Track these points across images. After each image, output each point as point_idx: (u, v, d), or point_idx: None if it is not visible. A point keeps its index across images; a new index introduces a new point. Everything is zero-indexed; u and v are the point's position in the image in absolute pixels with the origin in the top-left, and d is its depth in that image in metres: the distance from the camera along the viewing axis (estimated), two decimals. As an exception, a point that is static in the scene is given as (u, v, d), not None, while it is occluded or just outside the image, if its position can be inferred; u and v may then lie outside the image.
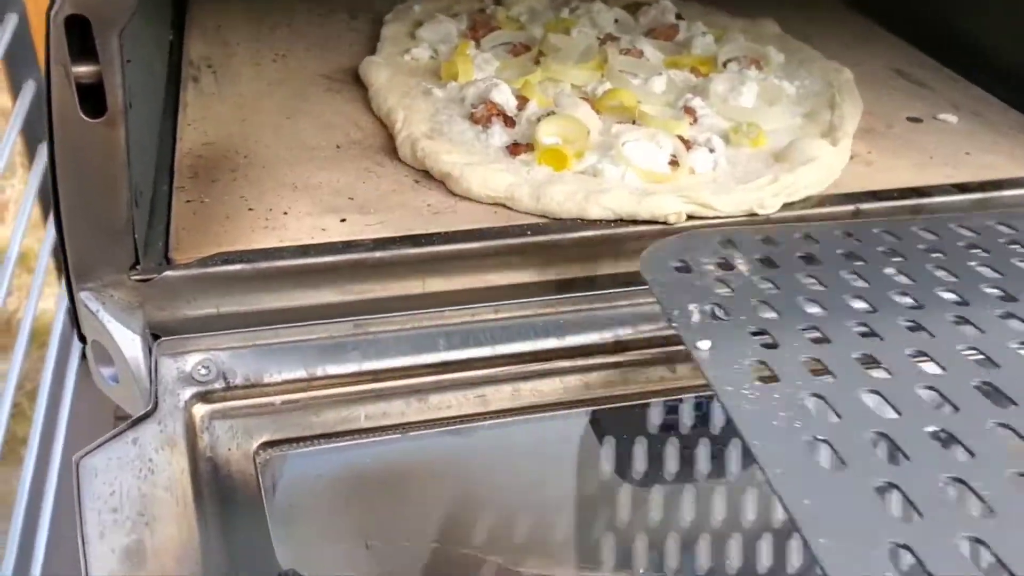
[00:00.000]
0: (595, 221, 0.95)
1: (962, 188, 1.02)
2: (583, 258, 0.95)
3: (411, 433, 0.87)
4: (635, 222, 0.95)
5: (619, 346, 0.93)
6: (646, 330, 0.93)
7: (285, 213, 0.95)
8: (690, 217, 0.96)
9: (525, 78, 1.15)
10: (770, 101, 1.14)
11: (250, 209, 0.95)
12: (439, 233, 0.92)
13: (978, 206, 1.02)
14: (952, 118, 1.18)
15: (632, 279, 0.96)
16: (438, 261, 0.91)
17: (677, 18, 1.36)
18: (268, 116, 1.13)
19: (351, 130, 1.11)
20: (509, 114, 1.10)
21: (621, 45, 1.24)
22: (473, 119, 1.09)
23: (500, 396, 0.89)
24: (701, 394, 0.93)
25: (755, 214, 0.96)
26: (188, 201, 0.96)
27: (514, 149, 1.04)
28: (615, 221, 0.95)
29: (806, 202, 0.99)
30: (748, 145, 1.07)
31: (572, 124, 1.05)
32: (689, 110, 1.11)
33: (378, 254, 0.89)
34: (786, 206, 0.98)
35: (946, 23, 1.37)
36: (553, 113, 1.07)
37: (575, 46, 1.21)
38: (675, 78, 1.19)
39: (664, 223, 0.95)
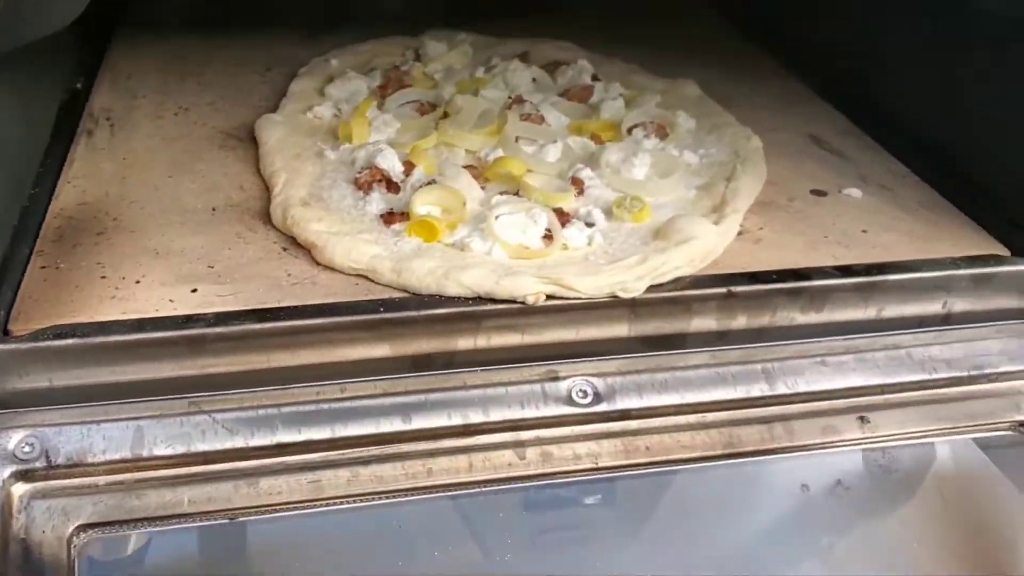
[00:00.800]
0: (453, 298, 0.92)
1: (845, 271, 0.99)
2: (439, 335, 0.92)
3: (239, 519, 0.84)
4: (494, 301, 0.92)
5: (468, 429, 0.90)
6: (497, 414, 0.90)
7: (137, 282, 0.93)
8: (550, 297, 0.92)
9: (415, 143, 1.13)
10: (664, 172, 1.11)
11: (103, 277, 0.93)
12: (287, 308, 0.89)
13: (860, 290, 0.98)
14: (857, 192, 1.14)
15: (492, 357, 0.94)
16: (283, 336, 0.88)
17: (593, 79, 1.33)
18: (152, 174, 1.11)
19: (233, 192, 1.09)
20: (395, 180, 1.07)
21: (524, 109, 1.22)
22: (356, 184, 1.07)
23: (336, 482, 0.86)
24: (552, 482, 0.90)
25: (617, 297, 0.93)
26: (43, 267, 0.94)
27: (388, 218, 1.01)
28: (474, 299, 0.92)
29: (676, 283, 0.96)
30: (630, 220, 1.04)
31: (449, 195, 1.03)
32: (576, 181, 1.09)
33: (218, 329, 0.86)
34: (654, 288, 0.95)
35: (868, 90, 1.34)
36: (433, 182, 1.05)
37: (473, 110, 1.19)
38: (574, 145, 1.17)
39: (523, 303, 0.91)
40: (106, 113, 1.25)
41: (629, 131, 1.21)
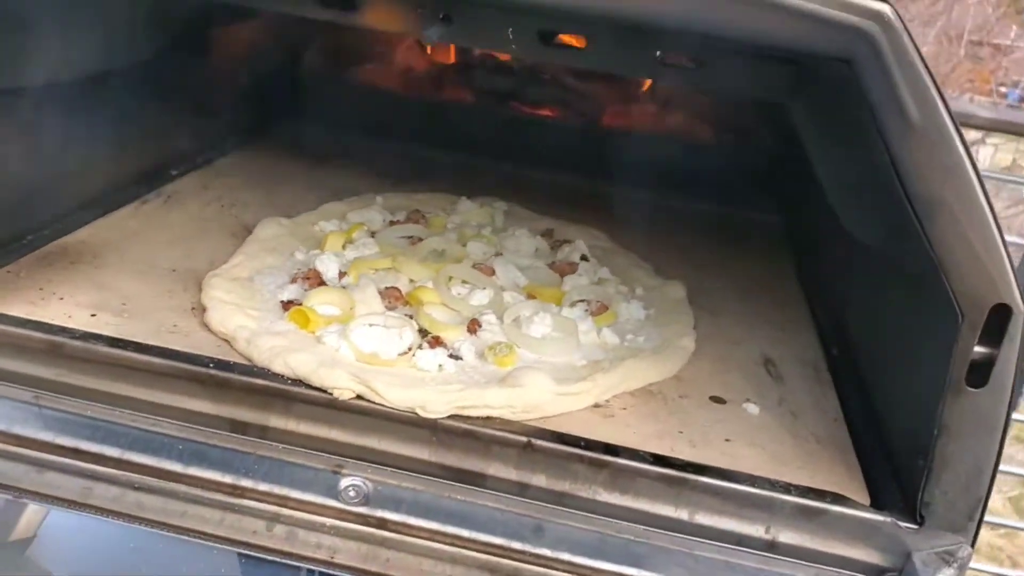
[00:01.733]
0: (278, 376, 1.00)
1: (659, 460, 0.95)
2: (255, 406, 0.99)
3: (20, 499, 0.94)
4: (309, 386, 0.99)
5: (235, 490, 0.95)
6: (266, 486, 0.95)
7: (61, 299, 1.11)
8: (359, 397, 0.98)
9: (362, 260, 1.25)
10: (560, 335, 1.14)
11: (40, 288, 1.12)
12: (135, 342, 1.02)
13: (669, 483, 0.93)
14: (754, 408, 1.09)
15: (303, 442, 0.99)
16: (121, 368, 1.00)
17: (582, 259, 1.39)
18: (158, 238, 1.31)
19: (200, 263, 1.25)
20: (326, 282, 1.20)
21: (479, 259, 1.30)
22: (291, 278, 1.20)
23: (105, 495, 0.95)
24: (280, 560, 0.92)
25: (416, 413, 0.96)
26: (8, 271, 1.15)
27: (286, 305, 1.13)
28: (294, 381, 0.99)
29: (487, 421, 0.97)
30: (493, 362, 1.07)
31: (340, 297, 1.13)
32: (475, 322, 1.14)
33: (75, 342, 1.01)
34: (460, 418, 0.97)
35: (847, 328, 1.28)
36: (343, 288, 1.16)
37: (427, 246, 1.29)
38: (510, 299, 1.23)
39: (332, 394, 0.98)
40: (172, 192, 1.49)
41: (574, 304, 1.25)
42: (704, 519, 0.94)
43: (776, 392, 1.15)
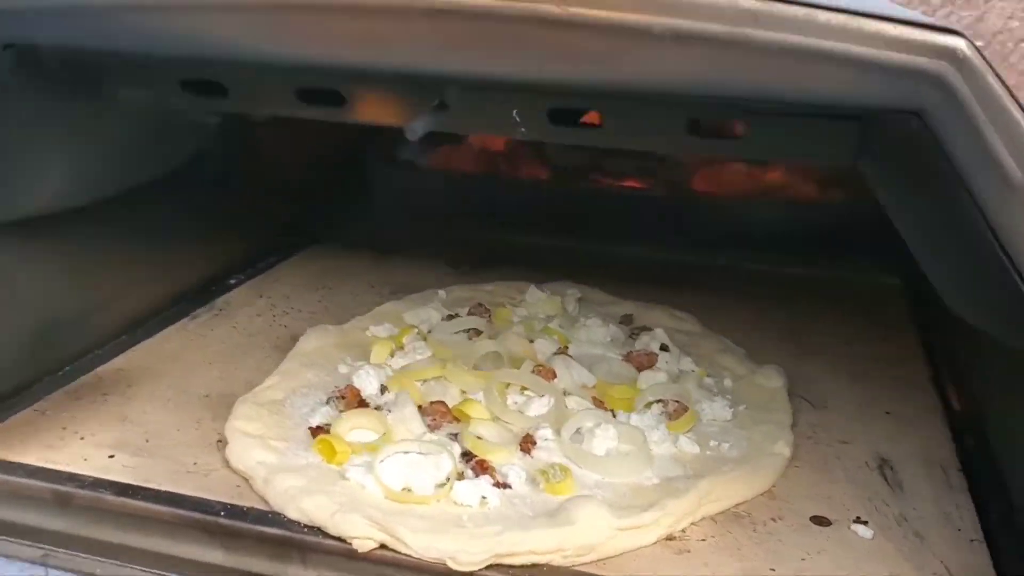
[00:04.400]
0: (293, 522, 0.88)
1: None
2: (269, 557, 0.88)
3: None
4: (327, 535, 0.86)
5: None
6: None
7: (82, 438, 1.03)
8: (383, 547, 0.84)
9: (407, 371, 1.12)
10: (628, 450, 0.98)
11: (63, 428, 1.05)
12: (146, 488, 0.92)
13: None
14: (867, 532, 0.90)
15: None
16: (130, 518, 0.90)
17: (662, 348, 1.23)
18: (199, 358, 1.23)
19: (238, 385, 1.15)
20: (367, 399, 1.08)
21: (545, 358, 1.16)
22: (328, 397, 1.09)
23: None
24: None
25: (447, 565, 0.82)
26: (36, 410, 1.08)
27: (315, 431, 1.01)
28: (309, 528, 0.87)
29: (533, 569, 0.82)
30: (545, 489, 0.92)
31: (373, 420, 1.00)
32: (528, 439, 1.00)
33: (84, 492, 0.92)
34: (501, 568, 0.82)
35: (987, 426, 1.06)
36: (378, 407, 1.03)
37: (478, 350, 1.16)
38: (575, 406, 1.08)
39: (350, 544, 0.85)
40: (223, 304, 1.41)
41: (650, 405, 1.09)
42: None
43: (895, 506, 0.95)
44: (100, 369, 1.19)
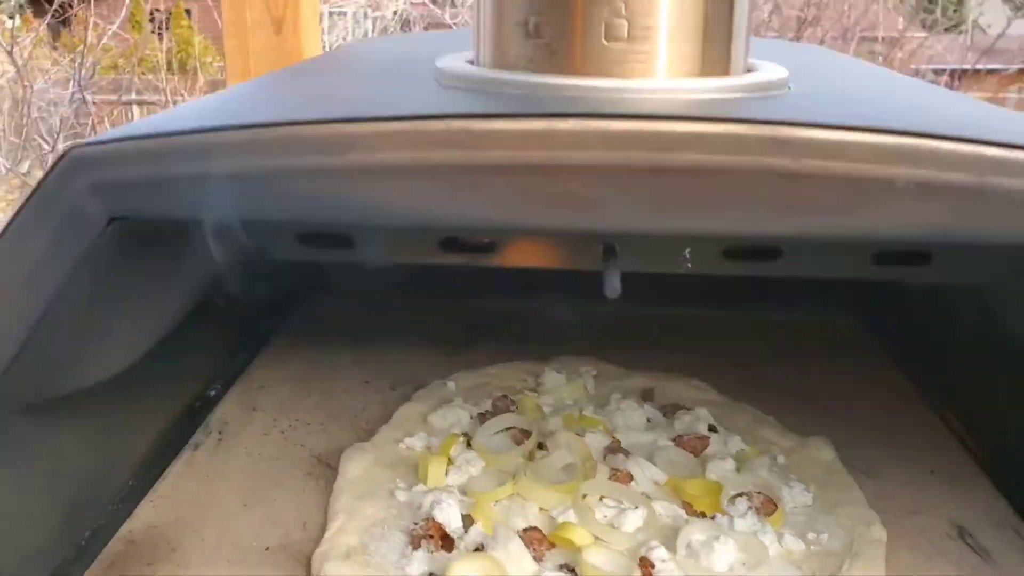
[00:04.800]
0: None
1: None
2: None
3: None
4: None
5: None
6: None
7: (148, 632, 0.91)
8: None
9: (480, 494, 1.07)
10: (753, 564, 0.97)
11: (122, 620, 0.92)
12: None
13: None
14: (993, 612, 0.93)
15: None
16: None
17: (710, 429, 1.23)
18: (229, 500, 1.12)
19: (294, 530, 1.06)
20: (451, 534, 1.01)
21: (616, 462, 1.13)
22: (410, 536, 1.02)
23: None
24: None
25: None
26: (77, 597, 0.95)
27: (424, 586, 0.94)
28: None
29: None
30: (687, 622, 0.90)
31: (490, 567, 0.94)
32: (645, 563, 0.97)
33: None
34: None
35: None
36: (481, 547, 0.97)
37: (554, 463, 1.12)
38: (662, 511, 1.06)
39: None
40: (220, 425, 1.29)
41: (733, 500, 1.08)
42: None
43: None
44: (129, 530, 1.06)
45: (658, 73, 0.78)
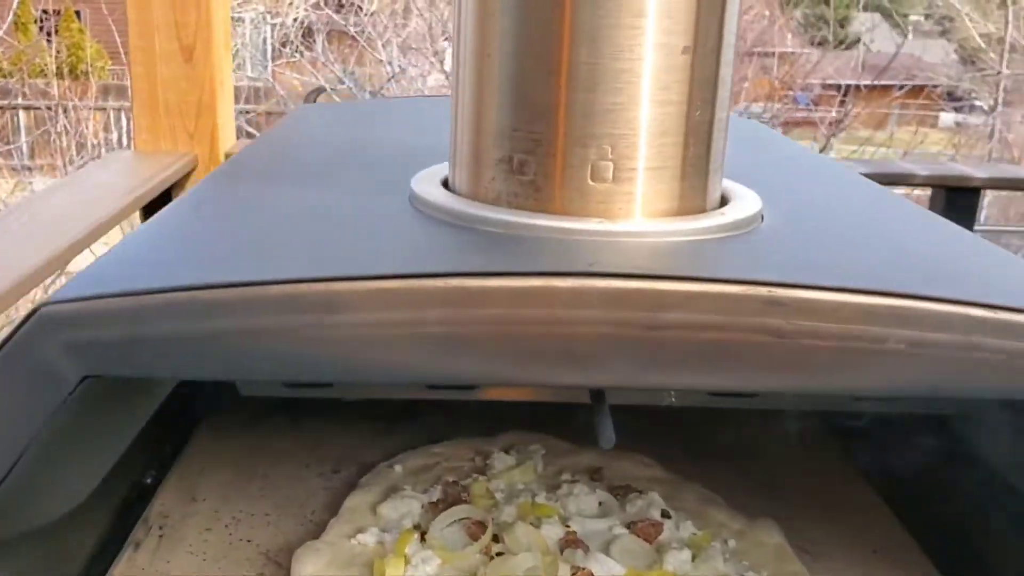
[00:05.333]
0: None
1: None
2: None
3: None
4: None
5: None
6: None
7: None
8: None
9: (445, 602, 1.05)
10: (718, 667, 0.99)
11: None
12: None
13: None
14: None
15: None
16: None
17: (663, 515, 1.24)
18: (176, 611, 1.08)
19: (251, 643, 1.03)
20: (419, 646, 1.00)
21: (576, 559, 1.13)
22: (377, 653, 1.00)
23: None
24: None
25: None
26: None
27: None
28: None
29: None
30: None
31: None
32: (614, 671, 0.97)
33: None
34: None
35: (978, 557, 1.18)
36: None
37: (518, 566, 1.11)
38: (625, 609, 1.07)
39: None
40: (161, 520, 1.24)
41: (690, 593, 1.10)
42: None
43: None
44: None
45: (639, 212, 0.78)
